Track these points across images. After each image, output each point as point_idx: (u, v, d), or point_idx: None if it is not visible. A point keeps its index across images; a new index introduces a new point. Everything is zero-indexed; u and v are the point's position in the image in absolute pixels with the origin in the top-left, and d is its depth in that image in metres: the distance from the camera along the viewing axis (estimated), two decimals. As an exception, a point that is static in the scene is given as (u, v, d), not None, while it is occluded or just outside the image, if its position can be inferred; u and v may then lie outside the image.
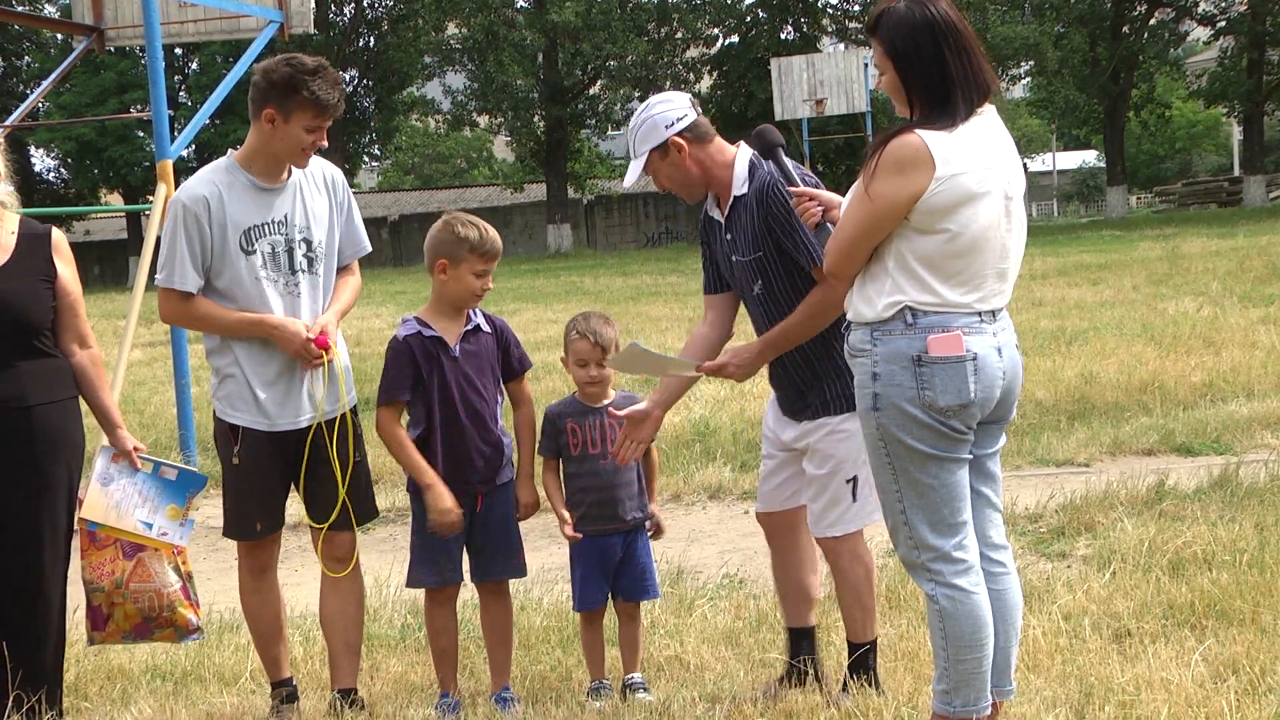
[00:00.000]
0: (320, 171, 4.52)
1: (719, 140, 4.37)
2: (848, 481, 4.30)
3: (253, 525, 4.49)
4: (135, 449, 4.49)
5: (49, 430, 4.31)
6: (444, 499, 4.43)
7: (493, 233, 4.54)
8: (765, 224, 4.23)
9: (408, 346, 4.50)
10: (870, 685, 4.30)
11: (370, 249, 4.71)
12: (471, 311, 4.58)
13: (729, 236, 4.36)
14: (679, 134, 4.28)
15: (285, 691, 4.58)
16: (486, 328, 4.60)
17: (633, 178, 4.37)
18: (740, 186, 4.30)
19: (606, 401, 4.64)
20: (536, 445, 4.69)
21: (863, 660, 4.37)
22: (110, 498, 4.45)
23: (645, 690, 4.56)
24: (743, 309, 4.49)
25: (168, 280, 4.35)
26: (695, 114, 4.32)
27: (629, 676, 4.63)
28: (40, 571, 4.34)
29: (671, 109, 4.30)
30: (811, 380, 4.30)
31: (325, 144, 4.38)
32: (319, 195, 4.49)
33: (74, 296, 4.42)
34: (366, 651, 5.12)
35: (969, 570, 3.68)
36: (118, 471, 4.48)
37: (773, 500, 4.55)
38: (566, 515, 4.59)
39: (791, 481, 4.48)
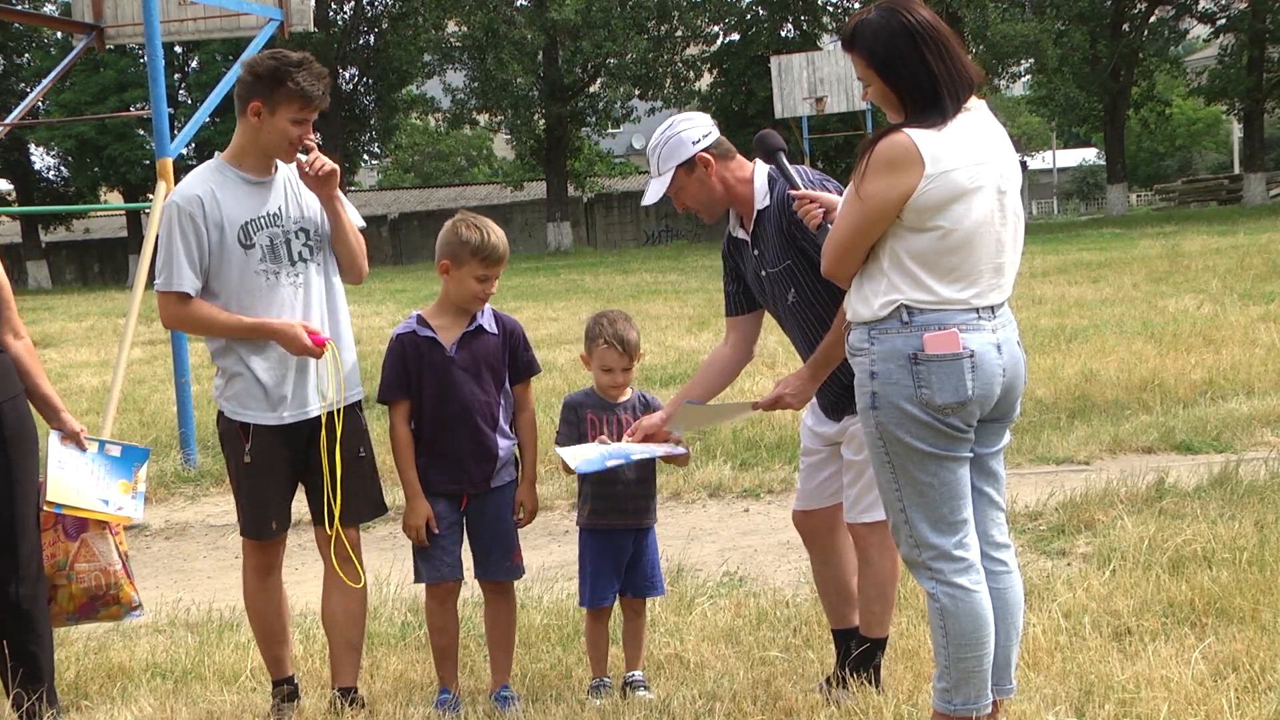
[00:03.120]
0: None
1: (739, 157, 4.38)
2: None
3: (269, 524, 4.48)
4: (80, 431, 4.57)
5: (15, 426, 4.34)
6: (415, 515, 4.48)
7: (496, 237, 4.48)
8: (789, 232, 4.23)
9: (400, 345, 4.51)
10: (871, 683, 4.30)
11: (363, 223, 4.71)
12: (480, 311, 4.56)
13: (757, 252, 4.36)
14: (705, 150, 4.28)
15: (286, 690, 4.59)
16: (493, 329, 4.57)
17: (655, 195, 4.30)
18: (762, 200, 4.32)
19: (624, 399, 4.64)
20: (554, 436, 4.67)
21: (868, 656, 4.37)
22: (68, 480, 4.53)
23: (646, 688, 4.56)
24: (770, 326, 4.54)
25: (165, 283, 4.32)
26: (717, 132, 4.34)
27: (630, 674, 4.63)
28: (30, 568, 4.37)
29: (696, 126, 4.31)
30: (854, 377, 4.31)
31: (311, 138, 4.38)
32: (309, 192, 4.48)
33: (6, 289, 4.44)
34: (367, 649, 5.12)
35: (970, 569, 3.68)
36: (67, 454, 4.56)
37: (815, 498, 4.54)
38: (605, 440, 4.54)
39: (835, 478, 4.47)
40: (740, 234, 4.43)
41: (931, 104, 3.56)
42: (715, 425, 4.56)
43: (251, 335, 4.32)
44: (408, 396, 4.51)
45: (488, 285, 4.48)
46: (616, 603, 4.71)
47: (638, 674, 4.63)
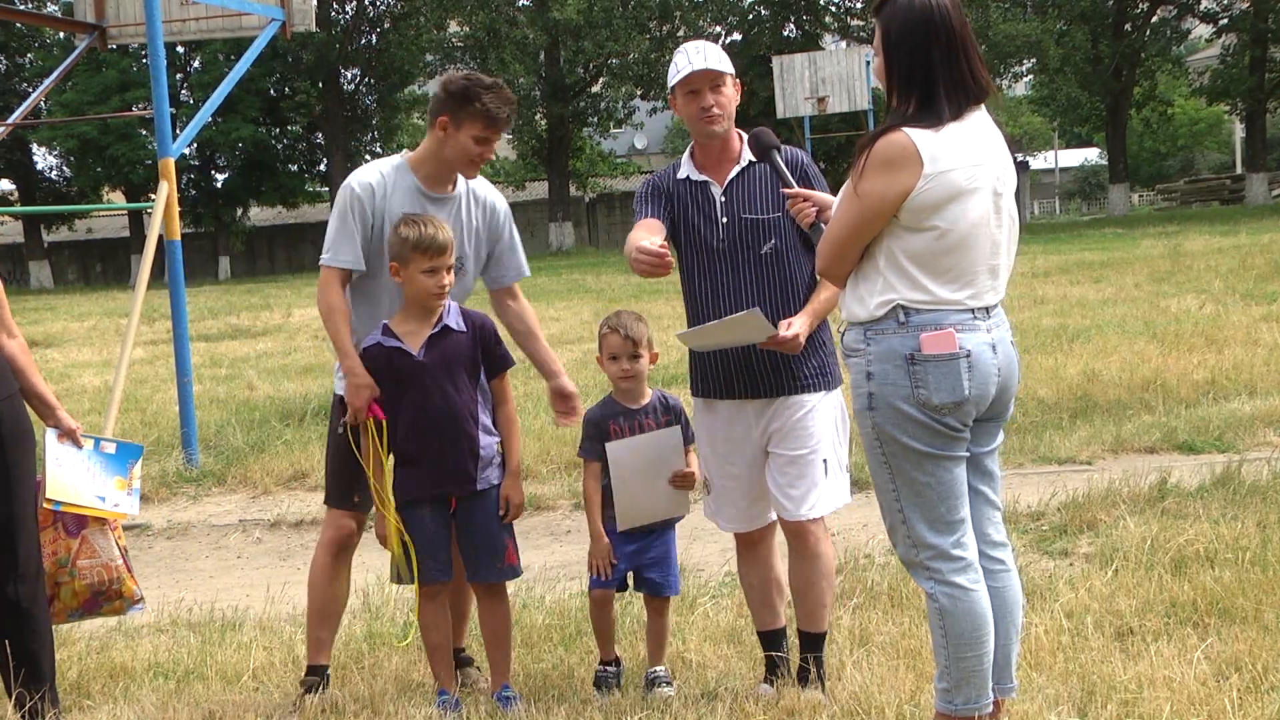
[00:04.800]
0: (485, 196, 4.78)
1: None
2: (824, 461, 4.33)
3: (351, 495, 4.63)
4: (75, 428, 4.63)
5: (13, 424, 4.35)
6: (385, 525, 4.52)
7: (433, 228, 4.46)
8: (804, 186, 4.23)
9: (368, 358, 4.50)
10: (823, 678, 4.37)
11: (529, 274, 4.98)
12: (446, 310, 4.54)
13: (724, 199, 4.35)
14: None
15: (314, 680, 4.65)
16: (461, 326, 4.53)
17: (723, 67, 4.29)
18: (751, 154, 4.37)
19: (645, 402, 4.63)
20: (577, 446, 4.71)
21: (821, 650, 4.42)
22: (65, 478, 4.56)
23: (668, 684, 4.57)
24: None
25: (329, 258, 4.59)
26: None
27: (652, 671, 4.64)
28: (29, 567, 4.37)
29: None
30: (782, 354, 4.26)
31: (493, 157, 4.66)
32: (479, 218, 4.74)
33: None
34: (367, 649, 5.13)
35: (968, 568, 3.68)
36: (64, 452, 4.59)
37: (754, 517, 4.48)
38: (603, 539, 4.57)
39: (765, 493, 4.43)
40: (698, 175, 4.41)
41: (927, 101, 3.56)
42: (726, 343, 4.36)
43: (341, 360, 4.56)
44: (382, 409, 4.50)
45: (438, 277, 4.44)
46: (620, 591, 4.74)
47: (660, 670, 4.64)
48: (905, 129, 3.54)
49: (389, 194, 4.57)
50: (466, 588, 4.76)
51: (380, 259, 4.55)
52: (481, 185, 4.80)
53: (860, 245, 3.64)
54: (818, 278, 4.27)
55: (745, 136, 4.42)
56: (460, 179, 4.70)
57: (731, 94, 4.34)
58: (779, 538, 4.57)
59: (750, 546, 4.57)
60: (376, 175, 4.61)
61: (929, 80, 3.57)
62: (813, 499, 4.31)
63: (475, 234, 4.74)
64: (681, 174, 4.46)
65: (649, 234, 4.27)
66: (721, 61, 4.30)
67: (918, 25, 3.56)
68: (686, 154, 4.50)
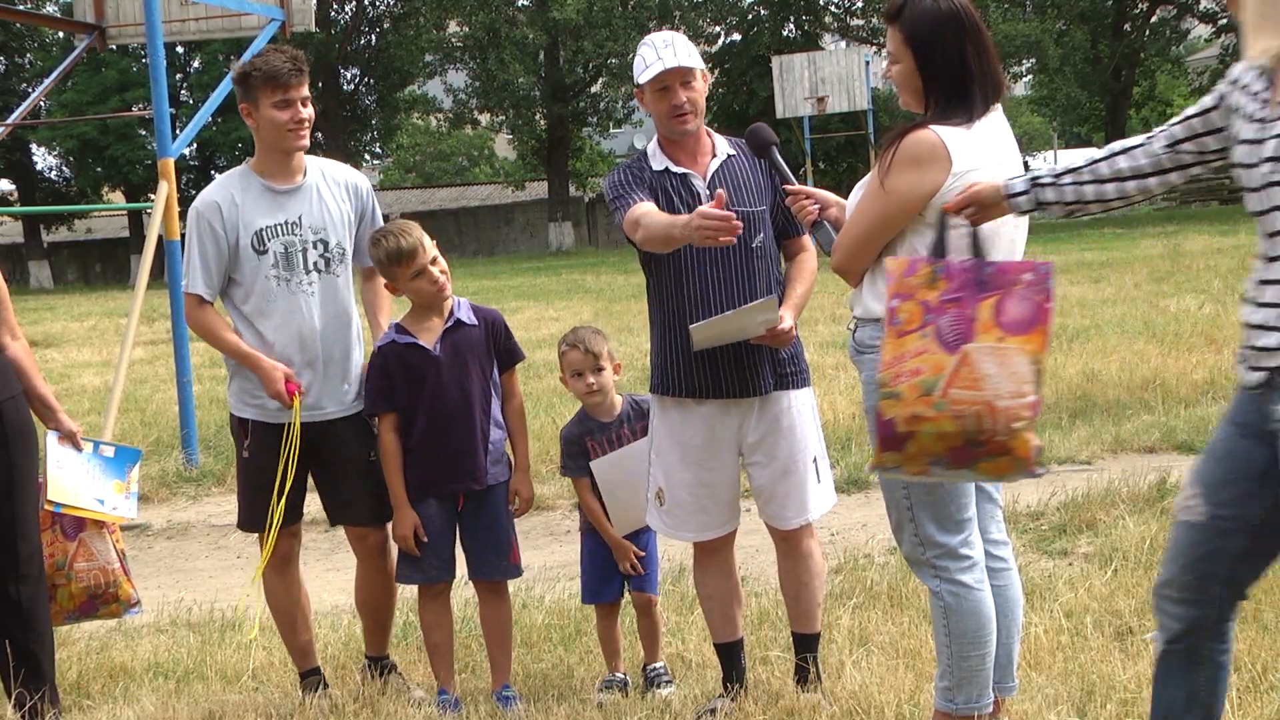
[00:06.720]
0: (344, 179, 4.68)
1: None
2: (812, 461, 4.28)
3: (263, 518, 4.55)
4: (76, 430, 4.65)
5: (15, 424, 4.36)
6: (403, 525, 4.51)
7: (395, 238, 4.43)
8: (772, 181, 4.21)
9: (382, 357, 4.52)
10: (819, 679, 4.35)
11: None
12: (456, 305, 4.56)
13: (708, 191, 4.19)
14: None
15: (315, 680, 4.69)
16: (473, 320, 4.57)
17: (694, 62, 4.15)
18: (729, 147, 4.30)
19: (618, 412, 4.62)
20: (560, 464, 4.74)
21: (816, 649, 4.41)
22: (67, 480, 4.58)
23: (669, 683, 4.58)
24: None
25: (187, 285, 4.55)
26: None
27: (650, 667, 4.65)
28: (31, 567, 4.38)
29: None
30: (768, 350, 4.18)
31: (309, 113, 4.45)
32: (341, 201, 4.62)
33: (3, 291, 4.49)
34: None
35: (974, 566, 3.67)
36: (65, 454, 4.61)
37: (725, 521, 4.37)
38: (623, 543, 4.59)
39: (735, 498, 4.36)
40: (678, 168, 4.23)
41: (959, 99, 3.55)
42: (735, 338, 4.20)
43: (241, 362, 4.52)
44: (393, 408, 4.51)
45: (428, 276, 4.46)
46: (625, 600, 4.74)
47: (659, 665, 4.65)
48: (933, 126, 3.53)
49: (239, 203, 4.49)
50: (392, 596, 4.80)
51: (242, 270, 4.49)
52: (337, 168, 4.70)
53: (883, 242, 3.61)
54: (783, 272, 4.30)
55: (713, 133, 4.32)
56: (310, 168, 4.59)
57: (701, 88, 4.22)
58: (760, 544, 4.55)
59: (711, 555, 4.43)
60: (222, 192, 4.53)
61: (965, 79, 3.56)
62: (809, 505, 4.28)
63: (345, 218, 4.60)
64: (658, 166, 4.26)
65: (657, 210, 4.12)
66: (691, 56, 4.17)
67: (949, 24, 3.55)
68: (654, 146, 4.32)
